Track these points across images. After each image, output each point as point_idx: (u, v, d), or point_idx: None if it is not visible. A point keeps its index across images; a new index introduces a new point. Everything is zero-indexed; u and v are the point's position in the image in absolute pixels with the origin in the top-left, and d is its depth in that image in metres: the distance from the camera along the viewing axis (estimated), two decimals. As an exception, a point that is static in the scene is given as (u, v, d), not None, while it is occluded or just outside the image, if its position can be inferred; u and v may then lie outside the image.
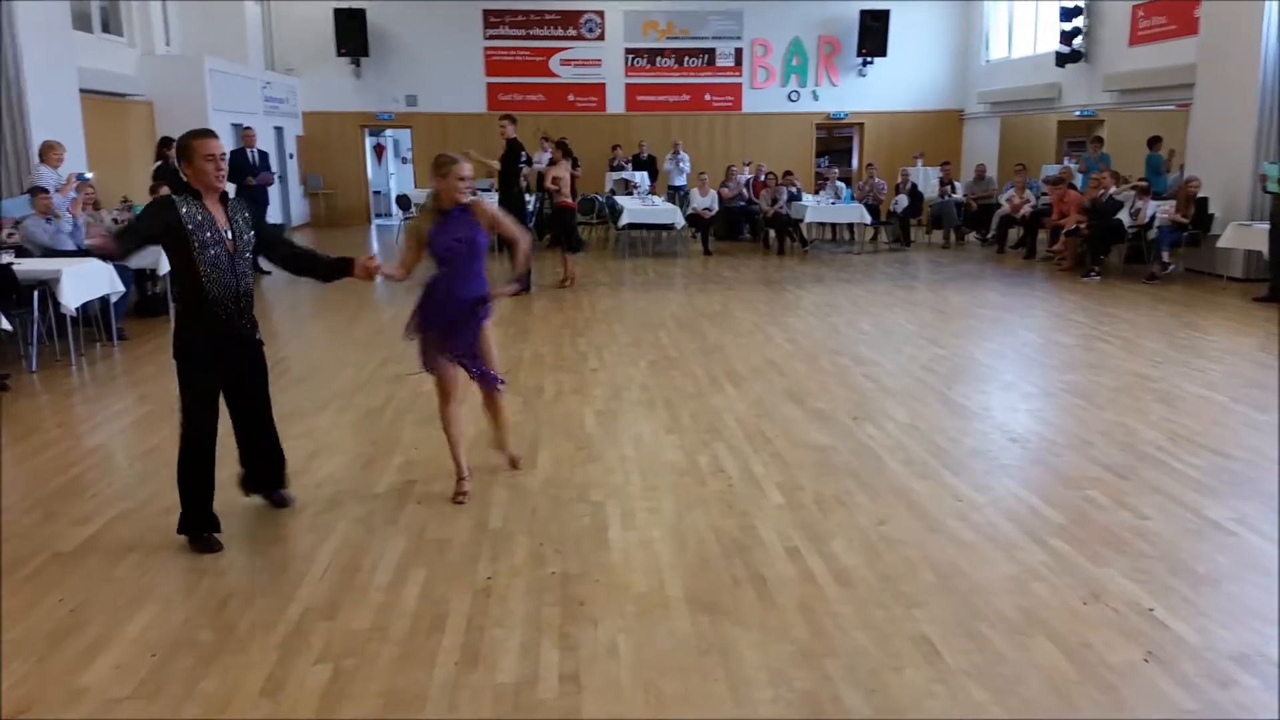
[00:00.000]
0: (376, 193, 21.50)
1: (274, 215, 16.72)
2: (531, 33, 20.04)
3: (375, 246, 16.97)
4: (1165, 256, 11.83)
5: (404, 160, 22.49)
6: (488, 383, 4.83)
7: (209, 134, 4.00)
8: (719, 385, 6.97)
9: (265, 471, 4.58)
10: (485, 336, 4.76)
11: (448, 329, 4.64)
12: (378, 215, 21.08)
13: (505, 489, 4.88)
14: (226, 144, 4.55)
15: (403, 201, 18.17)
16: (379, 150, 22.47)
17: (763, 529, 4.37)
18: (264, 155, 13.74)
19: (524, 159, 11.05)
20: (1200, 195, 11.80)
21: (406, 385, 6.95)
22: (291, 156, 19.18)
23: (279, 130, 18.47)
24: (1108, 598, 3.70)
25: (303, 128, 19.86)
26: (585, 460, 5.34)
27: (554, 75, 20.28)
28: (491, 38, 20.00)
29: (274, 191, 16.37)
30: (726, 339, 8.59)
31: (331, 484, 4.95)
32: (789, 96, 20.70)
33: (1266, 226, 10.47)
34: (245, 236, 4.04)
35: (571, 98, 20.38)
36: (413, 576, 3.89)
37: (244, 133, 13.53)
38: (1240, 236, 11.13)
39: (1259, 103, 11.43)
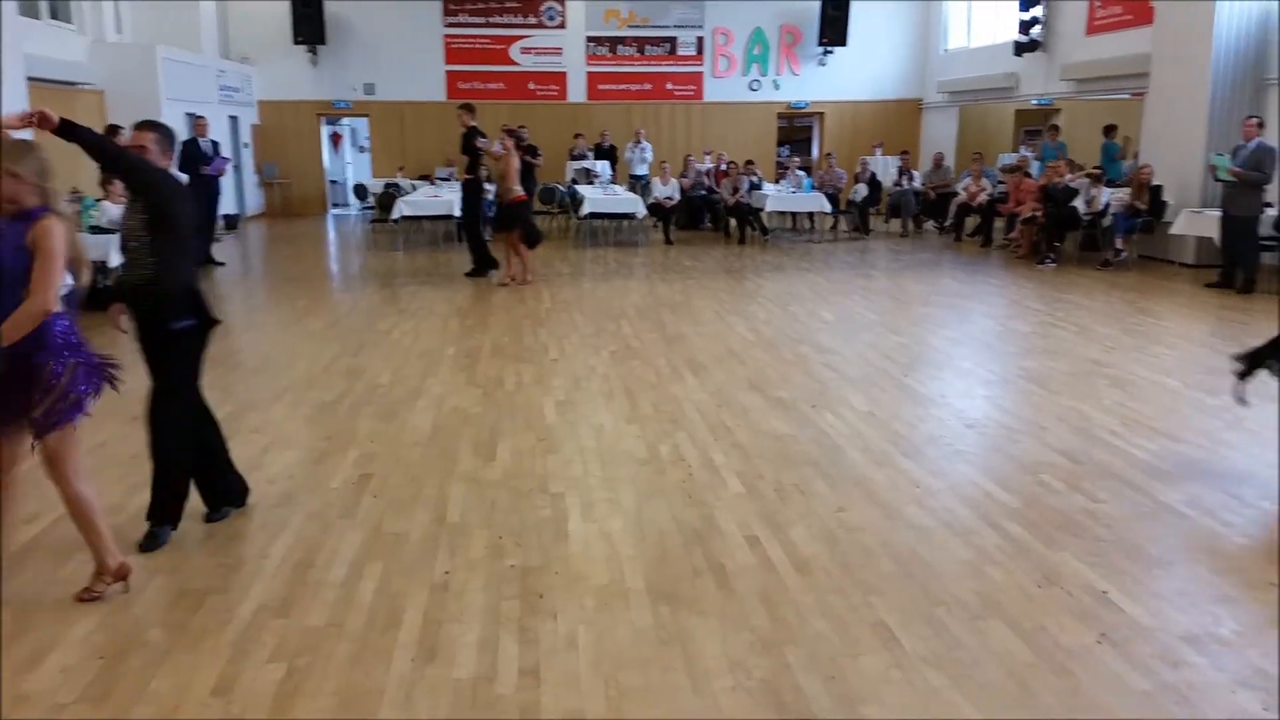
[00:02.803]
0: (333, 182, 21.21)
1: (228, 205, 16.47)
2: (491, 20, 19.85)
3: (332, 235, 16.77)
4: (1119, 243, 11.98)
5: (361, 149, 22.24)
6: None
7: (138, 125, 3.90)
8: (680, 375, 6.96)
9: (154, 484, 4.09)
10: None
11: None
12: (335, 205, 20.80)
13: (463, 483, 4.83)
14: (179, 134, 4.44)
15: (360, 191, 17.98)
16: (336, 139, 22.18)
17: (723, 518, 4.37)
18: (216, 145, 13.56)
19: (481, 142, 10.99)
20: (1154, 183, 11.96)
21: (362, 379, 6.87)
22: (246, 146, 18.88)
23: (234, 119, 18.16)
24: (1062, 581, 3.74)
25: (258, 116, 19.56)
26: (545, 451, 5.30)
27: (514, 63, 20.10)
28: (451, 25, 19.78)
29: (228, 181, 16.14)
30: (687, 328, 8.58)
31: (285, 478, 4.87)
32: (750, 86, 20.69)
33: (1218, 213, 10.63)
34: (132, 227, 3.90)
35: (532, 86, 20.23)
36: (369, 572, 3.84)
37: (196, 122, 13.31)
38: (1192, 223, 11.29)
39: (1210, 92, 11.60)
